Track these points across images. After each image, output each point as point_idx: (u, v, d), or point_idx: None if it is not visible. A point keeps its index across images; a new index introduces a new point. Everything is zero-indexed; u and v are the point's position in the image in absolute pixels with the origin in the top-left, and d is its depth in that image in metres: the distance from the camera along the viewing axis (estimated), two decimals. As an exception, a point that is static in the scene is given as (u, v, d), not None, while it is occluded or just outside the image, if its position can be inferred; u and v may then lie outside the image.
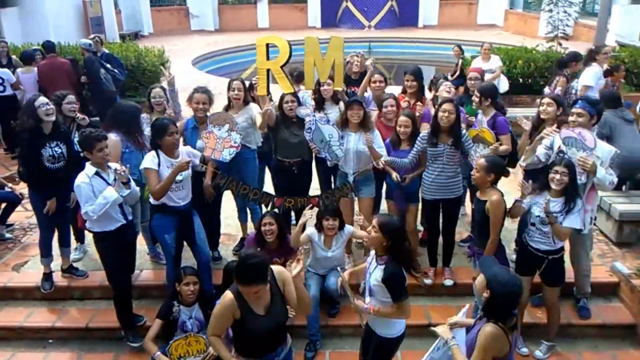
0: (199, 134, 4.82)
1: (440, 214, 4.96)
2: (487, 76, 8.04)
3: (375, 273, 3.45)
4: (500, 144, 4.86)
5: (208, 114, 4.97)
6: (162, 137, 4.34)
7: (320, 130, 4.76)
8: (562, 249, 4.25)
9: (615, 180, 4.35)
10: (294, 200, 4.69)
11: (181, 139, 4.77)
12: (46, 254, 5.04)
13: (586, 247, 4.67)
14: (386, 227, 3.35)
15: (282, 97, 5.13)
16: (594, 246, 5.26)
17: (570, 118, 4.47)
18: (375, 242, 3.41)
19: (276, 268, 3.24)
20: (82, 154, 4.46)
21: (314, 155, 5.24)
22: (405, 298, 3.41)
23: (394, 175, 4.81)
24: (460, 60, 10.23)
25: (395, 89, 6.52)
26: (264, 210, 5.14)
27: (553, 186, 4.04)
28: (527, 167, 4.72)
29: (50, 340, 4.79)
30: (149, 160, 4.35)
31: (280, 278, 3.18)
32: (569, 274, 4.64)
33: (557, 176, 3.99)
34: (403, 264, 3.41)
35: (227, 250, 5.57)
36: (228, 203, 5.62)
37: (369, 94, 5.82)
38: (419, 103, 5.51)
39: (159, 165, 4.33)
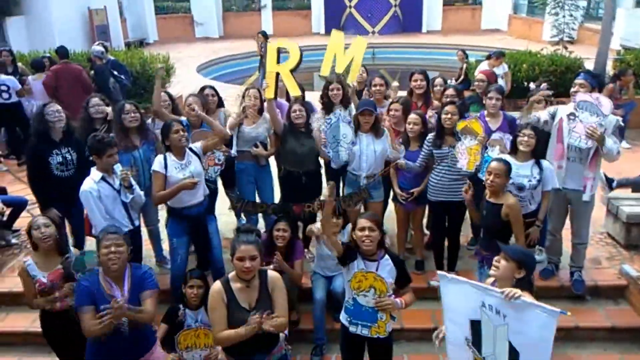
0: (191, 134, 4.81)
1: (446, 217, 4.93)
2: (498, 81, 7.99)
3: (384, 271, 3.40)
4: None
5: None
6: (168, 136, 4.39)
7: (339, 127, 4.83)
8: (535, 213, 4.37)
9: (621, 148, 4.49)
10: (312, 205, 4.66)
11: None
12: None
13: (588, 215, 4.73)
14: (380, 224, 3.42)
15: (289, 106, 5.10)
16: (602, 249, 5.34)
17: (572, 89, 4.60)
18: (375, 240, 3.38)
19: (271, 273, 3.26)
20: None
21: (323, 162, 5.24)
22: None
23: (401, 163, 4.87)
24: (465, 65, 10.23)
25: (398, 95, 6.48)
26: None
27: (521, 148, 4.24)
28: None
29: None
30: (157, 162, 4.41)
31: (271, 282, 3.19)
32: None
33: (525, 138, 4.19)
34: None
35: (226, 254, 5.51)
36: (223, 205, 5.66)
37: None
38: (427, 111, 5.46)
39: (165, 167, 4.35)
